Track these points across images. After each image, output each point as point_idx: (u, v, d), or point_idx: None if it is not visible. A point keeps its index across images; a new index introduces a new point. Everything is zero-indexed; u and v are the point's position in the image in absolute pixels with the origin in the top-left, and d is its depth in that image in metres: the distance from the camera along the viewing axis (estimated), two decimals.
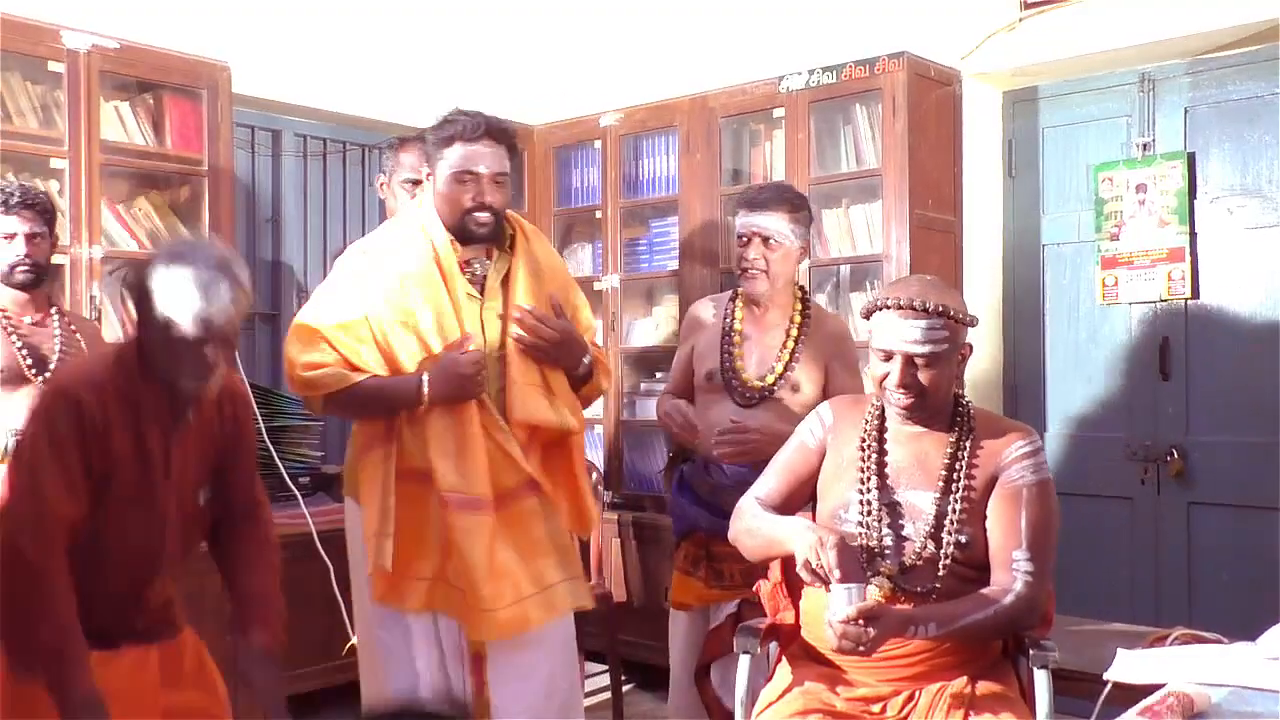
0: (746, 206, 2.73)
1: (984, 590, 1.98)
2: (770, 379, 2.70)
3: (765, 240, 2.69)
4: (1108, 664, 2.01)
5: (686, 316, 2.96)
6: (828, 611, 1.87)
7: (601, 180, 4.26)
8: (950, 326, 2.00)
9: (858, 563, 1.95)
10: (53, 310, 2.83)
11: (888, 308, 2.01)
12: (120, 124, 3.42)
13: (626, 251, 4.20)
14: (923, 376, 2.00)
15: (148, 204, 3.50)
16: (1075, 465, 3.62)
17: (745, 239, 2.71)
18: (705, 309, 2.89)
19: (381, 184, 3.14)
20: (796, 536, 1.96)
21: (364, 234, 4.98)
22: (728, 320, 2.80)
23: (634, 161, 4.24)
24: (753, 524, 2.11)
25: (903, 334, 1.99)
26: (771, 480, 2.18)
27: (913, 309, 1.98)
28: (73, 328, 2.83)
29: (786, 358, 2.72)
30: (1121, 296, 3.54)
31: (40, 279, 2.78)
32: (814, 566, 1.90)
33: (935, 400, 2.03)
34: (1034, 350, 3.80)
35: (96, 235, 3.28)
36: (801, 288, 2.85)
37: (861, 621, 1.84)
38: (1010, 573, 1.97)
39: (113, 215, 3.39)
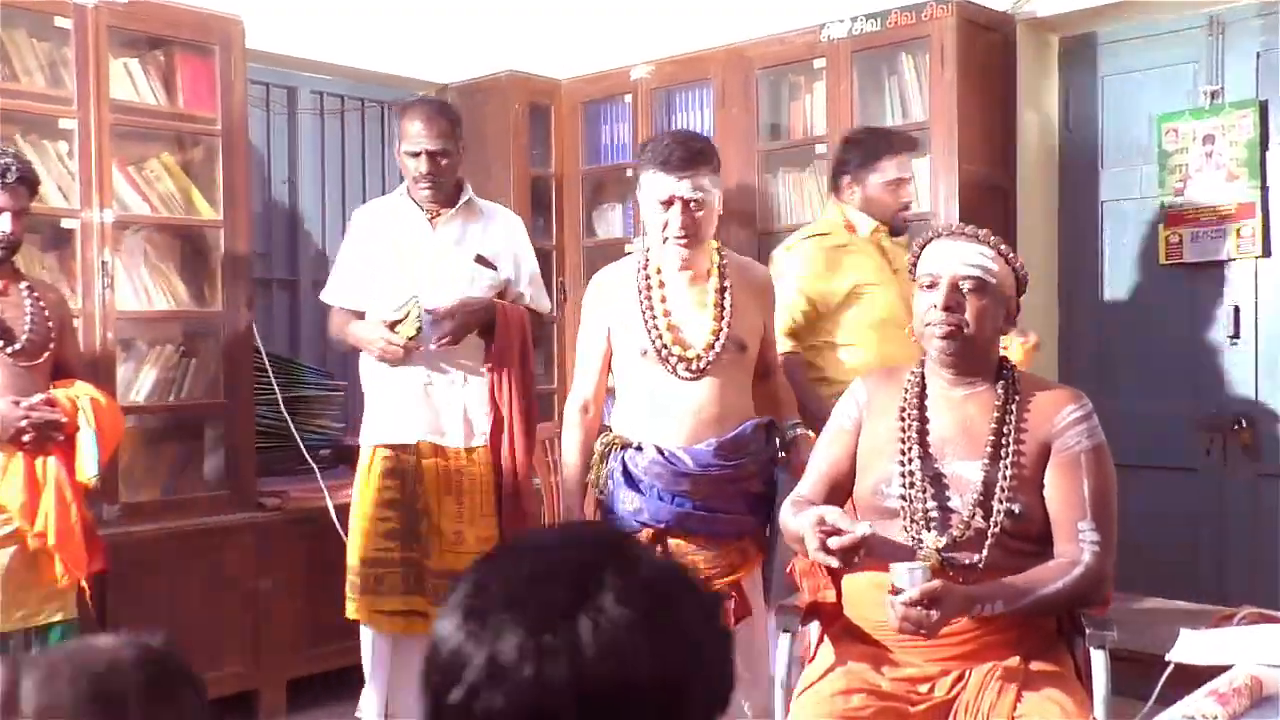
0: (663, 168, 2.58)
1: (1050, 563, 1.97)
2: (714, 344, 2.59)
3: (689, 202, 2.59)
4: (1169, 644, 1.99)
5: (588, 294, 2.81)
6: (888, 591, 1.87)
7: (632, 137, 4.24)
8: (999, 262, 2.01)
9: (892, 546, 1.95)
10: (21, 284, 2.82)
11: (936, 236, 2.04)
12: (130, 82, 3.44)
13: None
14: (968, 306, 1.98)
15: (160, 165, 3.51)
16: (1137, 436, 3.58)
17: (665, 203, 2.58)
18: (610, 283, 2.75)
19: (396, 151, 3.14)
20: (806, 536, 1.95)
21: (383, 191, 5.01)
22: (645, 290, 2.66)
23: (666, 117, 4.21)
24: (786, 527, 2.12)
25: (949, 255, 2.00)
26: (812, 475, 2.18)
27: (962, 234, 2.01)
28: (38, 296, 2.83)
29: (719, 319, 2.61)
30: (1186, 256, 3.49)
31: (13, 253, 2.79)
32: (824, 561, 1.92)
33: (977, 344, 2.01)
34: (1091, 315, 3.75)
35: (108, 198, 3.30)
36: (717, 241, 2.76)
37: (925, 602, 1.83)
38: (1076, 544, 1.96)
39: (124, 177, 3.41)
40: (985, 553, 1.97)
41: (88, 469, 2.73)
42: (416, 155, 3.02)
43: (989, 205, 3.55)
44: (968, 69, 3.47)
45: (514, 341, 3.07)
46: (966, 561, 1.98)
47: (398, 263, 3.04)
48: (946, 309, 1.98)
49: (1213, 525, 3.49)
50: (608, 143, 4.41)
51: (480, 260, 3.10)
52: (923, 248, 2.06)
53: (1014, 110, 3.67)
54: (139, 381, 3.44)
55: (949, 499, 2.01)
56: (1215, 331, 3.48)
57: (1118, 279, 3.70)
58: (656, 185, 2.58)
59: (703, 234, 2.60)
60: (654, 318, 2.62)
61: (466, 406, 3.06)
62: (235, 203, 3.53)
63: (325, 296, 3.21)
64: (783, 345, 2.96)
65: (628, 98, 4.26)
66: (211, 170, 3.57)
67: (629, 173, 4.25)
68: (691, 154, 2.58)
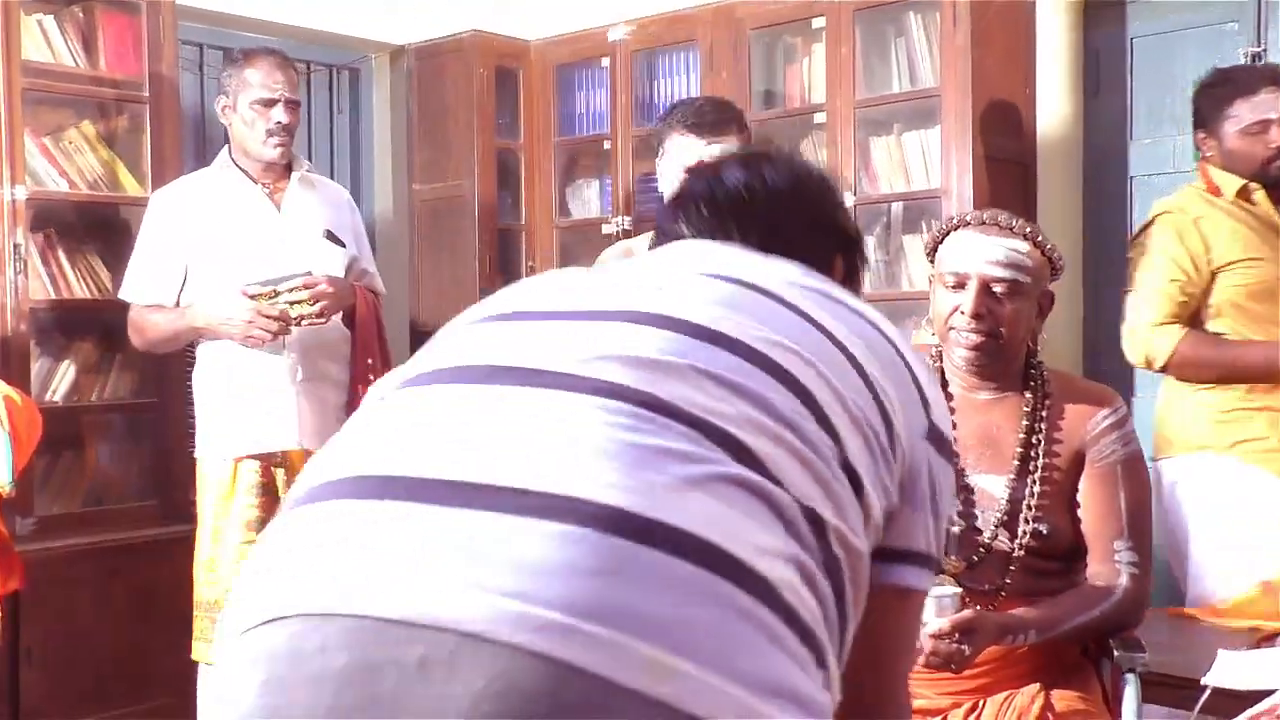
0: (694, 130, 2.61)
1: (1086, 587, 1.97)
2: None
3: None
4: (1206, 666, 1.99)
5: (597, 267, 2.85)
6: None
7: (610, 105, 4.22)
8: (1035, 258, 1.97)
9: None
10: None
11: (964, 226, 1.99)
12: (45, 41, 3.40)
13: (640, 188, 4.17)
14: (999, 311, 1.96)
15: (79, 135, 3.48)
16: None
17: (692, 169, 2.60)
18: (621, 257, 2.78)
19: (224, 107, 3.09)
20: None
21: (332, 165, 4.98)
22: None
23: (648, 83, 4.20)
24: None
25: (981, 253, 1.96)
26: None
27: (996, 225, 1.96)
28: None
29: None
30: None
31: None
32: None
33: (1009, 349, 2.00)
34: (1120, 300, 3.75)
35: (20, 174, 3.26)
36: None
37: (956, 635, 1.82)
38: (1112, 564, 1.96)
39: (38, 149, 3.37)
40: (1009, 579, 1.97)
41: (0, 477, 2.70)
42: (271, 103, 2.99)
43: (1006, 181, 3.55)
44: (983, 29, 3.47)
45: (374, 325, 3.07)
46: (986, 587, 1.97)
47: (237, 243, 2.99)
48: (976, 316, 1.95)
49: None
50: (583, 111, 4.39)
51: (329, 237, 3.08)
52: (944, 235, 2.03)
53: (1033, 76, 3.67)
54: (57, 379, 3.41)
55: (975, 516, 2.00)
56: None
57: None
58: (683, 150, 2.60)
59: None
60: None
61: (339, 404, 3.03)
62: (165, 177, 3.50)
63: (129, 294, 3.09)
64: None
65: (605, 61, 4.24)
66: (138, 141, 3.54)
67: (606, 145, 4.24)
68: (724, 118, 2.62)
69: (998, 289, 1.95)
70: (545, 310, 1.04)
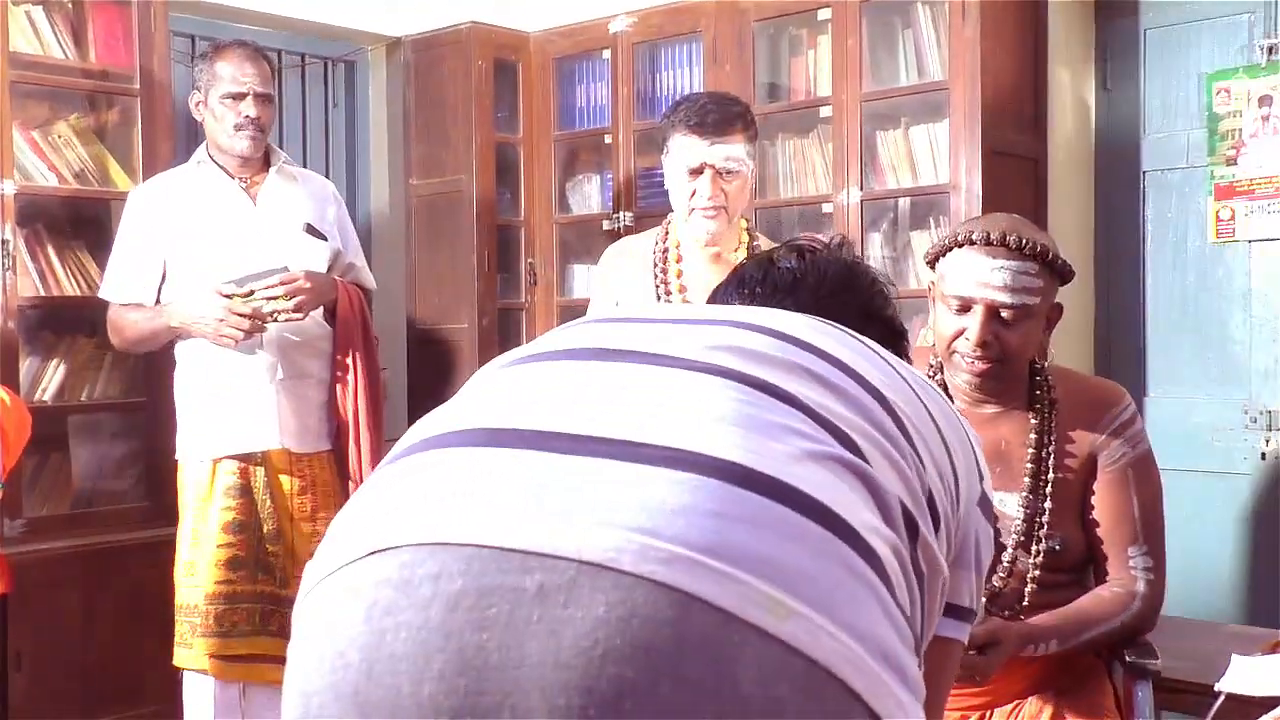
0: (695, 131, 2.60)
1: (1104, 595, 1.97)
2: None
3: (722, 172, 2.61)
4: (1219, 672, 1.99)
5: (600, 265, 2.84)
6: None
7: (611, 98, 4.22)
8: (1045, 276, 1.92)
9: None
10: None
11: (969, 244, 1.91)
12: (33, 33, 3.40)
13: (642, 183, 4.17)
14: (1007, 336, 1.91)
15: (68, 129, 3.48)
16: (1181, 436, 3.59)
17: (695, 171, 2.62)
18: (624, 255, 2.79)
19: (197, 103, 3.10)
20: None
21: (328, 160, 4.98)
22: (660, 266, 2.70)
23: (650, 76, 4.20)
24: None
25: (987, 278, 1.89)
26: None
27: (1004, 246, 1.89)
28: None
29: None
30: (1239, 233, 3.49)
31: None
32: None
33: (1014, 369, 1.97)
34: (1132, 298, 3.76)
35: (8, 168, 3.26)
36: (746, 219, 2.80)
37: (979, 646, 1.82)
38: (1128, 571, 1.97)
39: (26, 143, 3.37)
40: (1026, 600, 1.96)
41: None
42: (240, 97, 3.00)
43: (1016, 177, 3.55)
44: (992, 22, 3.46)
45: (357, 321, 3.07)
46: (1007, 613, 1.96)
47: (214, 239, 2.99)
48: (982, 344, 1.91)
49: (1268, 537, 3.50)
50: (583, 105, 4.39)
51: (310, 230, 3.09)
52: (948, 249, 1.96)
53: (1044, 69, 3.66)
54: (46, 378, 3.41)
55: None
56: (1273, 318, 3.49)
57: (1162, 258, 3.71)
58: (685, 150, 2.59)
59: (733, 208, 2.63)
60: (667, 295, 2.63)
61: (321, 402, 3.03)
62: (156, 171, 3.49)
63: (107, 293, 3.11)
64: None
65: (606, 53, 4.24)
66: (129, 135, 3.54)
67: (607, 139, 4.23)
68: (728, 117, 2.60)
69: (1006, 314, 1.90)
70: (651, 317, 1.09)
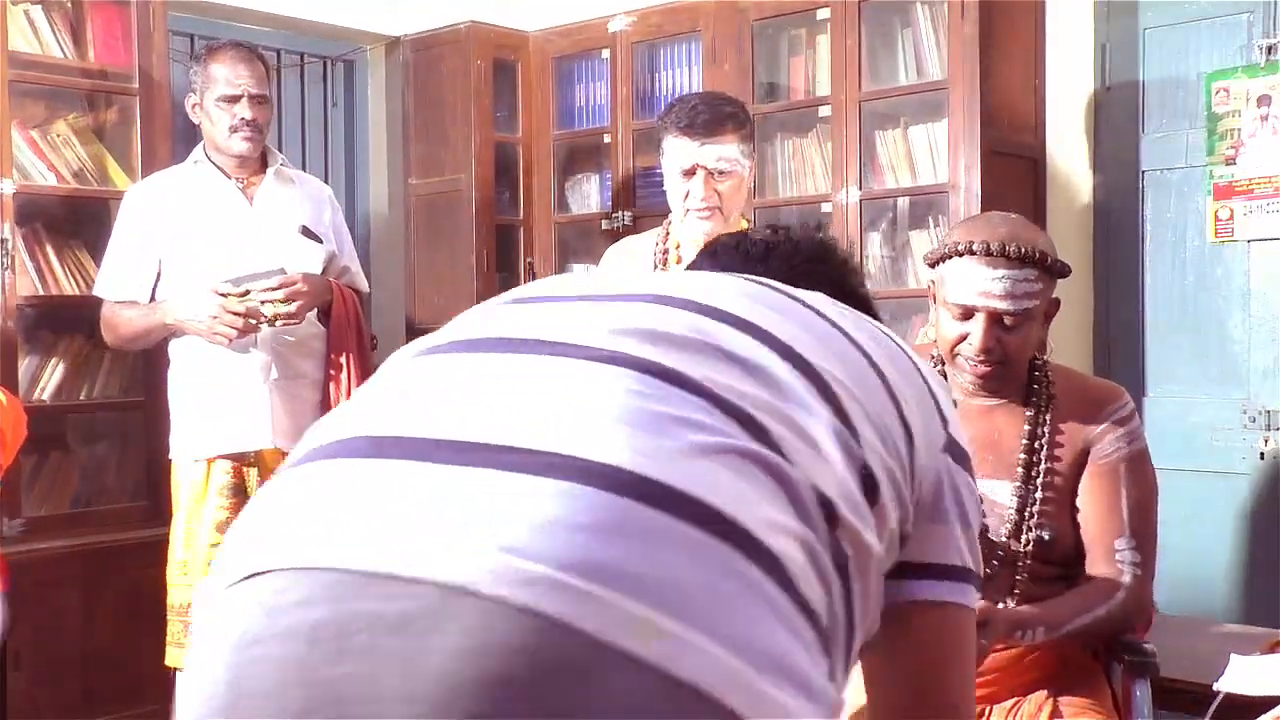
0: (686, 132, 2.61)
1: (1089, 586, 1.98)
2: None
3: (714, 173, 2.62)
4: (1218, 672, 2.00)
5: (600, 269, 2.87)
6: None
7: (610, 98, 4.22)
8: (1043, 279, 1.95)
9: None
10: None
11: (969, 253, 1.93)
12: (32, 32, 3.40)
13: (641, 183, 4.17)
14: (1009, 340, 1.94)
15: (67, 128, 3.48)
16: (1180, 436, 3.59)
17: (687, 172, 2.63)
18: (625, 258, 2.79)
19: (193, 105, 3.11)
20: None
21: (327, 159, 4.98)
22: (660, 266, 2.70)
23: (649, 75, 4.20)
24: None
25: (988, 287, 1.92)
26: None
27: (1003, 256, 1.91)
28: None
29: None
30: (1238, 233, 3.49)
31: None
32: None
33: (1016, 368, 2.00)
34: (1131, 298, 3.76)
35: (7, 167, 3.27)
36: (747, 219, 2.82)
37: None
38: (1115, 565, 1.97)
39: (25, 142, 3.38)
40: (1017, 588, 1.97)
41: None
42: (235, 99, 3.01)
43: (1015, 176, 3.55)
44: (991, 22, 3.47)
45: (351, 323, 3.08)
46: (997, 599, 1.97)
47: (210, 239, 3.00)
48: (986, 350, 1.95)
49: (1267, 537, 3.50)
50: (582, 104, 4.39)
51: (306, 232, 3.10)
52: (948, 255, 1.98)
53: (1043, 69, 3.67)
54: (45, 377, 3.41)
55: (983, 525, 2.00)
56: (1271, 318, 3.49)
57: (1160, 258, 3.71)
58: (678, 152, 2.60)
59: (728, 208, 2.64)
60: None
61: (314, 402, 3.04)
62: (155, 171, 3.50)
63: (102, 290, 3.12)
64: None
65: (605, 53, 4.24)
66: (128, 134, 3.54)
67: (606, 138, 4.24)
68: (719, 118, 2.61)
69: (1007, 320, 1.94)
70: (569, 294, 1.05)
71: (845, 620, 0.90)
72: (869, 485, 0.94)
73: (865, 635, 0.95)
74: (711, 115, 2.61)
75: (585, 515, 0.77)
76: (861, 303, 1.26)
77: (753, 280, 1.08)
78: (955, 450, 1.09)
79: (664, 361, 0.90)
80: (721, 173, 2.61)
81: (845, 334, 1.04)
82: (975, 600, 1.07)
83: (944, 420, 1.09)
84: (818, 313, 1.05)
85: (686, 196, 2.62)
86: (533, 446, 0.82)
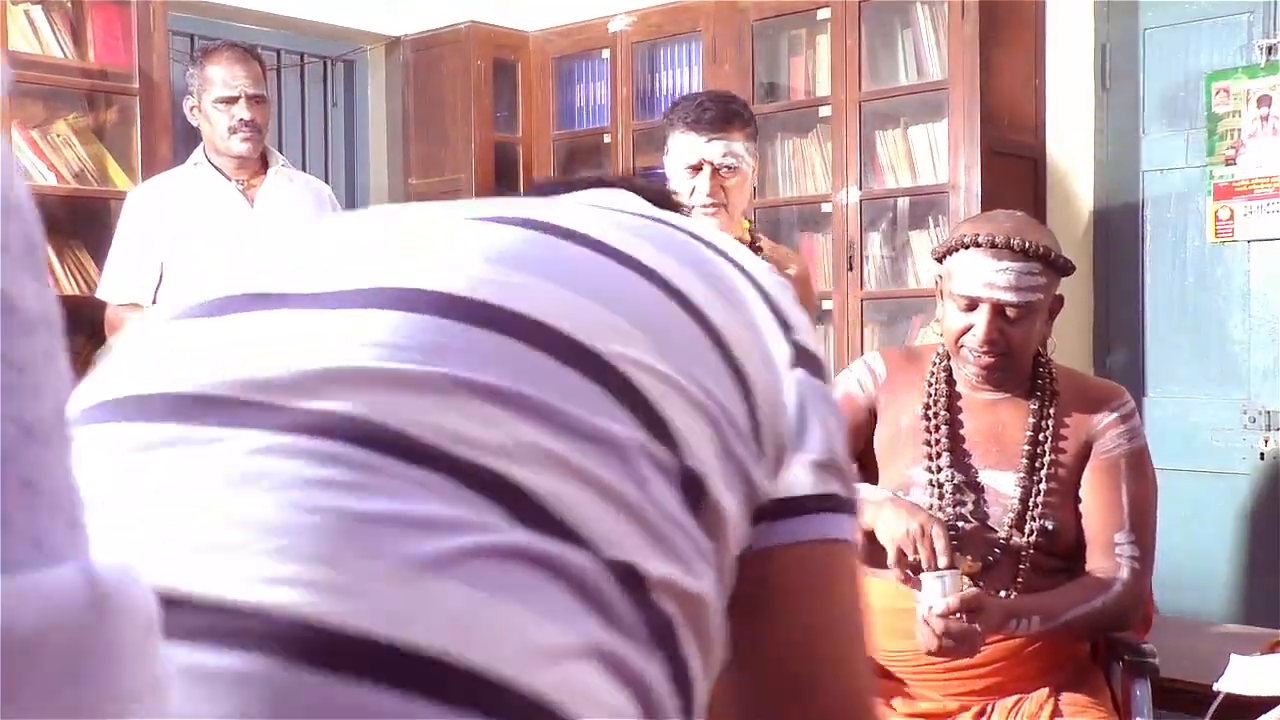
0: (693, 128, 2.62)
1: (1086, 579, 1.98)
2: None
3: (720, 169, 2.64)
4: (1218, 672, 2.00)
5: None
6: (919, 607, 1.86)
7: (610, 98, 4.22)
8: (1047, 274, 1.99)
9: (952, 551, 1.94)
10: None
11: (975, 246, 1.97)
12: (32, 32, 3.41)
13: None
14: (1012, 332, 1.97)
15: (67, 128, 3.49)
16: (1179, 436, 3.60)
17: (694, 168, 2.63)
18: None
19: (191, 107, 3.12)
20: (881, 515, 1.92)
21: (327, 159, 4.98)
22: None
23: (649, 75, 4.20)
24: None
25: (993, 279, 1.95)
26: None
27: (1009, 249, 1.95)
28: None
29: None
30: (1238, 233, 3.50)
31: None
32: (910, 559, 1.88)
33: (1019, 361, 2.02)
34: (1131, 298, 3.76)
35: None
36: (748, 218, 2.83)
37: (963, 615, 1.83)
38: (1113, 558, 1.98)
39: (25, 143, 3.38)
40: (1020, 579, 1.98)
41: None
42: (233, 100, 3.02)
43: (1015, 176, 3.56)
44: (992, 21, 3.47)
45: None
46: (1001, 589, 1.98)
47: (211, 241, 3.01)
48: (989, 341, 1.97)
49: (1267, 537, 3.51)
50: (582, 104, 4.40)
51: None
52: (953, 249, 2.02)
53: (1043, 68, 3.67)
54: None
55: (987, 515, 2.01)
56: (1271, 318, 3.50)
57: (1160, 258, 3.71)
58: (684, 148, 2.61)
59: (733, 205, 2.65)
60: None
61: None
62: (156, 171, 3.50)
63: (105, 293, 3.14)
64: None
65: (605, 53, 4.25)
66: (128, 134, 3.54)
67: (606, 138, 4.24)
68: (726, 114, 2.63)
69: (1011, 312, 1.97)
70: (267, 292, 0.72)
71: (677, 693, 0.66)
72: (692, 488, 0.69)
73: (711, 679, 0.71)
74: (719, 112, 2.63)
75: (261, 709, 0.52)
76: (654, 196, 0.96)
77: (505, 223, 0.74)
78: (807, 359, 0.82)
79: (373, 416, 0.61)
80: (728, 169, 2.62)
81: (642, 267, 0.75)
82: (855, 533, 0.80)
83: (787, 327, 0.82)
84: (600, 247, 0.74)
85: (692, 193, 2.62)
86: (181, 595, 0.55)
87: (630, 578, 0.64)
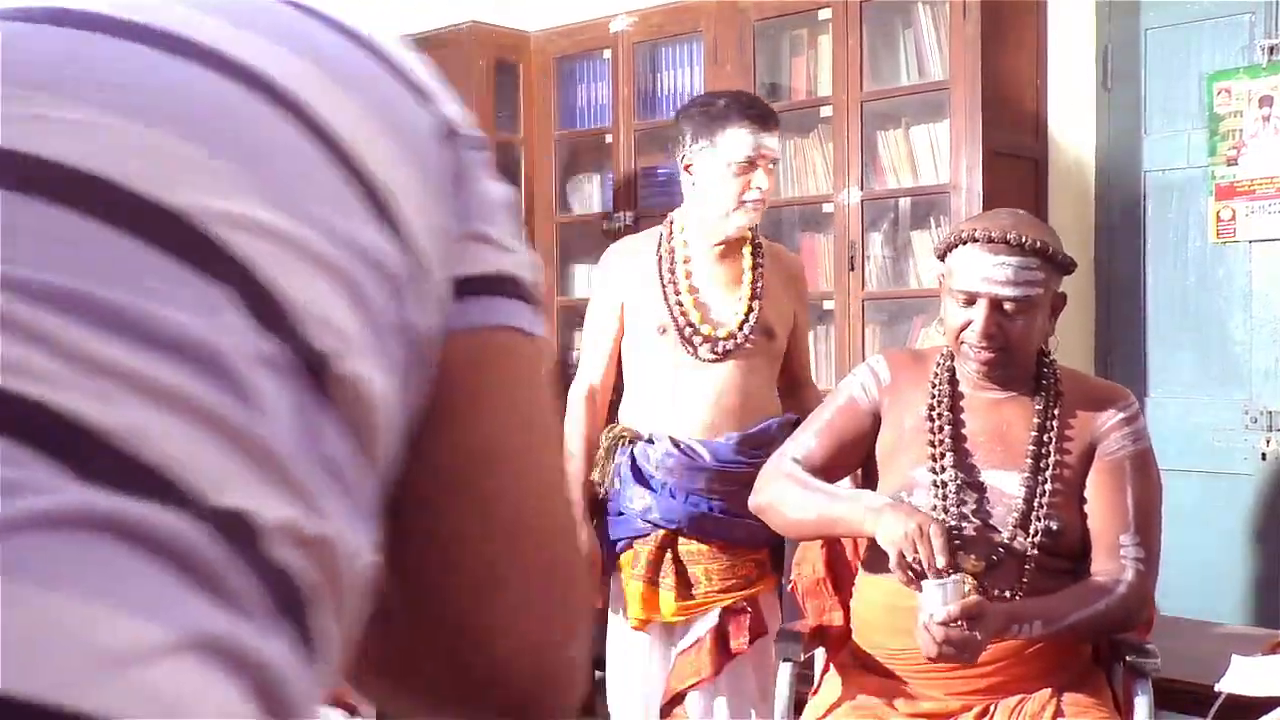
0: (754, 121, 2.62)
1: (1090, 581, 1.98)
2: (743, 323, 2.62)
3: (771, 163, 2.66)
4: (1219, 673, 2.00)
5: (601, 267, 2.86)
6: (920, 614, 1.86)
7: (612, 98, 4.23)
8: (1046, 269, 2.00)
9: (954, 556, 1.94)
10: None
11: (973, 241, 1.99)
12: None
13: (643, 183, 4.18)
14: (1011, 327, 1.99)
15: None
16: (1181, 436, 3.60)
17: (750, 162, 2.62)
18: (628, 257, 2.80)
19: None
20: (881, 521, 1.93)
21: None
22: (667, 262, 2.71)
23: (651, 75, 4.20)
24: (799, 495, 2.08)
25: (990, 273, 1.98)
26: (812, 440, 2.16)
27: (1005, 244, 1.97)
28: None
29: (750, 298, 2.66)
30: (1240, 233, 3.50)
31: None
32: (911, 561, 1.88)
33: (1020, 357, 2.03)
34: (1132, 299, 3.76)
35: None
36: None
37: (963, 622, 1.83)
38: (1118, 560, 1.98)
39: None
40: (1025, 579, 1.98)
41: None
42: None
43: (1016, 176, 3.56)
44: (993, 22, 3.47)
45: None
46: (1005, 590, 1.98)
47: None
48: (987, 335, 1.99)
49: (1269, 538, 3.51)
50: (584, 104, 4.40)
51: None
52: (953, 245, 2.04)
53: (1045, 68, 3.67)
54: None
55: (990, 515, 2.01)
56: (1273, 318, 3.50)
57: (1162, 259, 3.71)
58: (738, 142, 2.61)
59: (766, 200, 2.67)
60: (676, 291, 2.65)
61: None
62: None
63: None
64: None
65: (606, 53, 4.25)
66: None
67: (607, 138, 4.24)
68: (769, 110, 2.67)
69: (1009, 306, 1.99)
70: None
71: (308, 654, 0.50)
72: (317, 380, 0.51)
73: (348, 630, 0.54)
74: (765, 108, 2.68)
75: None
76: None
77: (47, 18, 0.52)
78: (452, 130, 0.69)
79: None
80: (774, 163, 2.66)
81: (230, 64, 0.55)
82: (537, 326, 0.64)
83: (427, 99, 0.69)
84: (163, 37, 0.53)
85: (745, 188, 2.62)
86: None
87: (240, 529, 0.48)
